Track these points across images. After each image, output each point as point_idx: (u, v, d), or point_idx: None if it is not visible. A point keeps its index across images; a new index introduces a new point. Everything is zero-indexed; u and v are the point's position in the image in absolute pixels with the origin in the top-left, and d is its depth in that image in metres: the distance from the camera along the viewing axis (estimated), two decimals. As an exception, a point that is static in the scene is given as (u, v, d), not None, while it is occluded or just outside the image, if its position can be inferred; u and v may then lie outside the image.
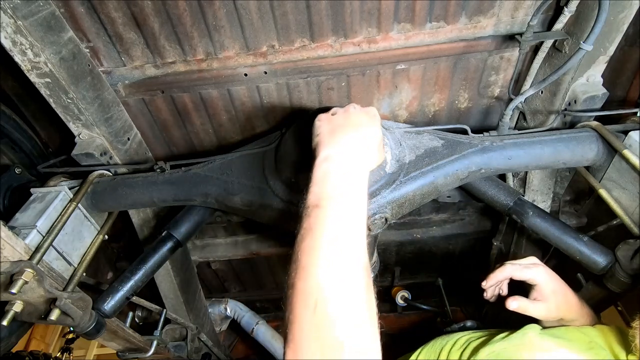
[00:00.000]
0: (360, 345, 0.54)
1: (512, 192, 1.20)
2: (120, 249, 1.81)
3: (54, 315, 0.91)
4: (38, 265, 0.91)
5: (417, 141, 1.10)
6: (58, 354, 1.80)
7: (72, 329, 1.00)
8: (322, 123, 0.84)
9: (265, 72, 1.20)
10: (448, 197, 1.37)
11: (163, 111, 1.31)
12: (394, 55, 1.18)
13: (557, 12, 1.08)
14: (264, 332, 2.07)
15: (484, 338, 0.98)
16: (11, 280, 0.84)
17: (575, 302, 0.99)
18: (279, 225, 1.08)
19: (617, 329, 0.88)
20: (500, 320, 1.21)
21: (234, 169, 1.14)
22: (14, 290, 0.82)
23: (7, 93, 1.28)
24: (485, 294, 1.09)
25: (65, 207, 1.08)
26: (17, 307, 0.87)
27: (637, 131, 0.98)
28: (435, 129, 1.13)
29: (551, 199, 1.45)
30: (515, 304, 0.96)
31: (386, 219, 0.99)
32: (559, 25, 1.08)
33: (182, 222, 1.22)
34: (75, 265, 1.10)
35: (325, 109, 0.90)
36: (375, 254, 1.37)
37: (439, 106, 1.35)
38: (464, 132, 1.11)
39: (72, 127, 1.15)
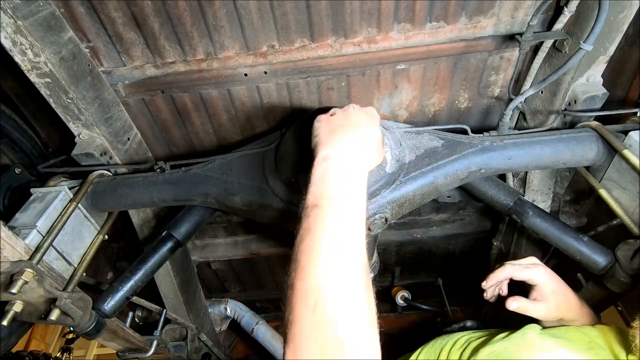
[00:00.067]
0: (360, 345, 0.54)
1: (512, 192, 1.20)
2: (120, 249, 1.81)
3: (54, 315, 0.91)
4: (38, 265, 0.91)
5: (417, 141, 1.10)
6: (58, 354, 1.80)
7: (72, 329, 1.00)
8: (321, 124, 0.84)
9: (265, 72, 1.20)
10: (448, 197, 1.37)
11: (163, 111, 1.31)
12: (394, 55, 1.18)
13: (557, 12, 1.08)
14: (264, 332, 2.07)
15: (484, 338, 0.98)
16: (11, 280, 0.84)
17: (575, 302, 0.99)
18: (279, 225, 1.08)
19: (617, 329, 0.88)
20: (500, 320, 1.21)
21: (234, 169, 1.14)
22: (14, 290, 0.82)
23: (7, 93, 1.28)
24: (485, 294, 1.09)
25: (65, 207, 1.08)
26: (17, 307, 0.87)
27: (637, 131, 0.98)
28: (435, 129, 1.13)
29: (551, 199, 1.45)
30: (516, 304, 0.96)
31: (386, 219, 0.99)
32: (559, 25, 1.08)
33: (182, 222, 1.22)
34: (75, 265, 1.10)
35: (325, 109, 0.90)
36: (375, 254, 1.37)
37: (439, 106, 1.35)
38: (464, 132, 1.11)
39: (72, 127, 1.15)
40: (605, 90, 1.11)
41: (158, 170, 1.19)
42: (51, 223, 1.04)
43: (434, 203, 1.67)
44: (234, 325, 2.18)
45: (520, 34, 1.09)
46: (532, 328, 0.94)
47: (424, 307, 2.11)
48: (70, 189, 1.14)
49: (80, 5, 1.04)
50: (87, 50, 1.12)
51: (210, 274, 2.08)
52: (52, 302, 0.92)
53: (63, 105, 1.09)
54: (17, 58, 0.97)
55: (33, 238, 0.98)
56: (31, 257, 0.91)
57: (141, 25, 1.08)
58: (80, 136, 1.17)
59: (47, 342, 3.18)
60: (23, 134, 1.32)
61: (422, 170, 1.03)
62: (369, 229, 0.99)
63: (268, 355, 2.06)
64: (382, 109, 1.34)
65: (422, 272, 2.15)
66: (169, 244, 1.19)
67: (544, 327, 0.96)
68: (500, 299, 1.06)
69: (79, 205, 1.11)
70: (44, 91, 1.05)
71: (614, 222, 1.14)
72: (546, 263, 1.02)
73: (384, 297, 2.23)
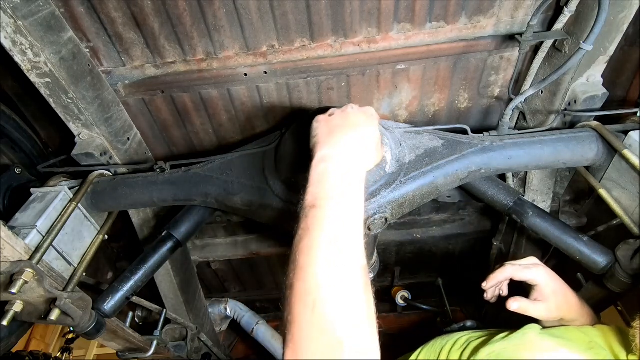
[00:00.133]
0: (359, 344, 0.54)
1: (512, 192, 1.20)
2: (120, 249, 1.81)
3: (54, 315, 0.91)
4: (38, 265, 0.91)
5: (417, 141, 1.10)
6: (58, 354, 1.80)
7: (72, 329, 1.00)
8: (320, 124, 0.84)
9: (265, 72, 1.20)
10: (448, 197, 1.37)
11: (163, 111, 1.31)
12: (394, 55, 1.18)
13: (557, 12, 1.08)
14: (264, 332, 2.07)
15: (484, 338, 0.98)
16: (11, 280, 0.84)
17: (575, 302, 0.99)
18: (279, 225, 1.08)
19: (618, 329, 0.88)
20: (500, 320, 1.21)
21: (234, 169, 1.14)
22: (14, 290, 0.82)
23: (7, 93, 1.28)
24: (485, 295, 1.09)
25: (65, 207, 1.08)
26: (17, 307, 0.87)
27: (637, 131, 0.98)
28: (435, 129, 1.13)
29: (551, 199, 1.45)
30: (516, 304, 0.96)
31: (386, 219, 0.99)
32: (559, 25, 1.08)
33: (182, 222, 1.22)
34: (75, 265, 1.10)
35: (325, 109, 0.90)
36: (375, 254, 1.37)
37: (439, 106, 1.35)
38: (464, 132, 1.11)
39: (72, 127, 1.15)
40: (605, 90, 1.11)
41: (158, 170, 1.19)
42: (51, 223, 1.04)
43: (434, 203, 1.67)
44: (234, 325, 2.18)
45: (520, 34, 1.09)
46: (532, 328, 0.94)
47: (424, 307, 2.11)
48: (70, 189, 1.14)
49: (80, 5, 1.04)
50: (87, 50, 1.12)
51: (210, 274, 2.08)
52: (52, 302, 0.92)
53: (63, 105, 1.09)
54: (17, 58, 0.97)
55: (33, 238, 0.98)
56: (31, 257, 0.91)
57: (141, 25, 1.08)
58: (80, 136, 1.17)
59: (47, 342, 3.18)
60: (23, 134, 1.32)
61: (422, 170, 1.03)
62: (369, 229, 0.99)
63: (268, 355, 2.06)
64: (382, 109, 1.34)
65: (422, 272, 2.15)
66: (169, 244, 1.19)
67: (544, 327, 0.96)
68: (501, 300, 1.06)
69: (79, 205, 1.11)
70: (44, 91, 1.05)
71: (614, 222, 1.14)
72: (546, 263, 1.02)
73: (384, 297, 2.23)
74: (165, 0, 1.03)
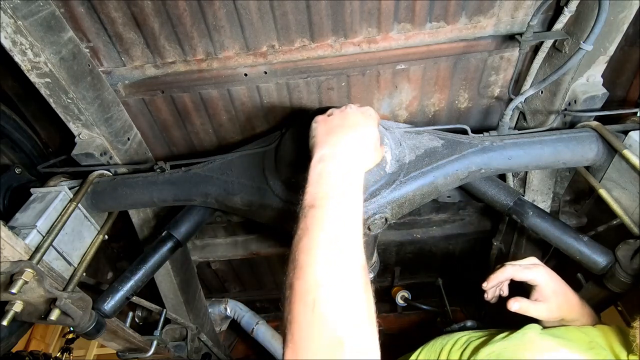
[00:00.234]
0: (359, 344, 0.54)
1: (512, 192, 1.20)
2: (120, 249, 1.81)
3: (54, 315, 0.91)
4: (38, 265, 0.91)
5: (417, 141, 1.10)
6: (58, 354, 1.79)
7: (72, 329, 1.00)
8: (319, 124, 0.84)
9: (265, 72, 1.20)
10: (448, 197, 1.37)
11: (163, 111, 1.31)
12: (394, 55, 1.18)
13: (557, 12, 1.08)
14: (264, 332, 2.07)
15: (484, 338, 0.98)
16: (11, 280, 0.84)
17: (576, 302, 0.99)
18: (279, 225, 1.08)
19: (618, 329, 0.88)
20: (500, 320, 1.21)
21: (234, 169, 1.14)
22: (14, 290, 0.82)
23: (7, 93, 1.28)
24: (485, 295, 1.09)
25: (65, 207, 1.08)
26: (17, 307, 0.87)
27: (637, 131, 0.98)
28: (435, 129, 1.13)
29: (551, 199, 1.45)
30: (517, 305, 0.96)
31: (386, 219, 0.99)
32: (559, 25, 1.08)
33: (182, 222, 1.22)
34: (75, 265, 1.10)
35: (325, 109, 0.90)
36: (375, 254, 1.37)
37: (439, 106, 1.35)
38: (464, 132, 1.11)
39: (72, 127, 1.15)
40: (605, 90, 1.11)
41: (158, 170, 1.19)
42: (51, 223, 1.04)
43: (434, 203, 1.67)
44: (234, 325, 2.18)
45: (520, 34, 1.09)
46: (532, 328, 0.94)
47: (424, 307, 2.11)
48: (70, 189, 1.14)
49: (80, 5, 1.04)
50: (87, 50, 1.12)
51: (210, 274, 2.08)
52: (52, 302, 0.92)
53: (63, 105, 1.09)
54: (17, 58, 0.98)
55: (33, 238, 0.98)
56: (31, 257, 0.91)
57: (141, 25, 1.08)
58: (80, 136, 1.17)
59: (47, 342, 3.18)
60: (23, 134, 1.32)
61: (422, 170, 1.03)
62: (369, 229, 0.99)
63: (268, 355, 2.06)
64: (382, 109, 1.34)
65: (422, 272, 2.15)
66: (169, 244, 1.19)
67: (544, 327, 0.96)
68: (501, 300, 1.06)
69: (79, 205, 1.11)
70: (44, 91, 1.05)
71: (614, 222, 1.14)
72: (546, 263, 1.02)
73: (384, 297, 2.23)
74: (165, 0, 1.03)
